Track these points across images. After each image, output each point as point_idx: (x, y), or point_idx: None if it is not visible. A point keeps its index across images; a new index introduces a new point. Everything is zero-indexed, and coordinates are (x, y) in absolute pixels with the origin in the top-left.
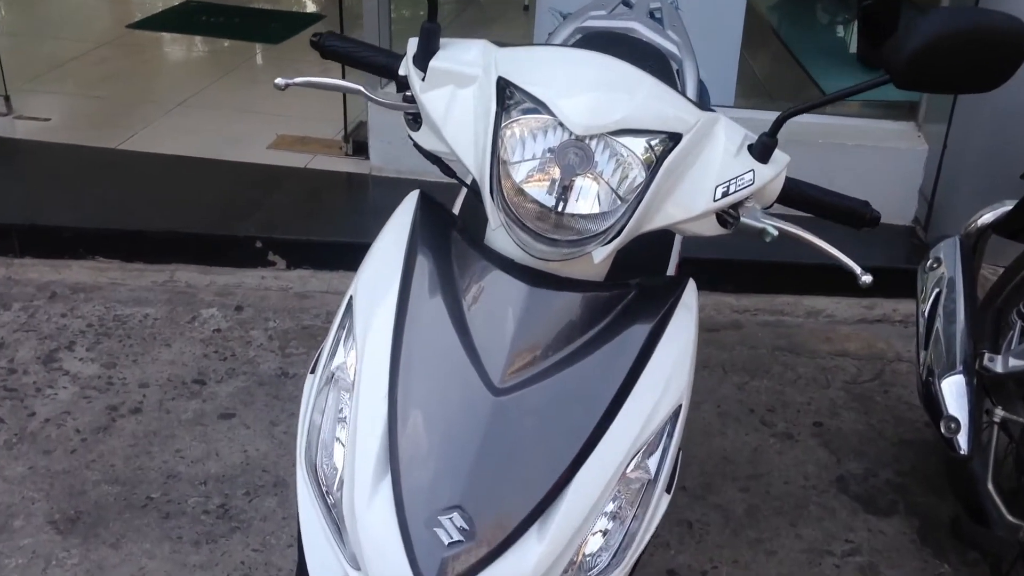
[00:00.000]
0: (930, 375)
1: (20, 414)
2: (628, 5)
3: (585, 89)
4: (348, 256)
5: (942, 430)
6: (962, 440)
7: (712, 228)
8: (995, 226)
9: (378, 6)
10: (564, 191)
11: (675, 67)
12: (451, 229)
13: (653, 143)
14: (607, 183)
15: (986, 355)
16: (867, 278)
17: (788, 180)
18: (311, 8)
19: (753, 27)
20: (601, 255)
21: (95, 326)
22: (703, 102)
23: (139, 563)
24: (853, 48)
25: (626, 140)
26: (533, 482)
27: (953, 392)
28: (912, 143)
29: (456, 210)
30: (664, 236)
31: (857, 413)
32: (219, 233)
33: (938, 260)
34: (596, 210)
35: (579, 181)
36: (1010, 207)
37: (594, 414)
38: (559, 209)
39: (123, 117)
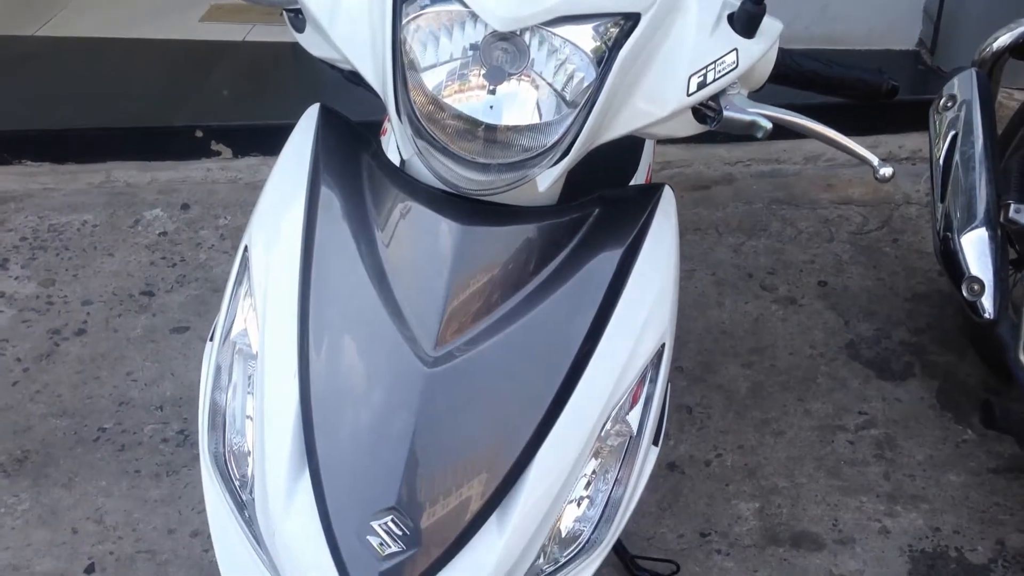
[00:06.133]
0: (948, 230)
1: None
2: None
3: None
4: None
5: (964, 292)
6: (987, 303)
7: (688, 127)
8: (1013, 49)
9: None
10: (493, 99)
11: None
12: (363, 152)
13: (603, 29)
14: (548, 85)
15: (1012, 206)
16: (886, 171)
17: (781, 53)
18: None
19: None
20: (548, 180)
21: (29, 239)
22: None
23: (95, 503)
24: None
25: (566, 30)
26: (485, 466)
27: (975, 249)
28: None
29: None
30: (630, 138)
31: (865, 267)
32: (155, 124)
33: (952, 98)
34: (536, 120)
35: (511, 85)
36: None
37: (557, 372)
38: (489, 123)
39: None
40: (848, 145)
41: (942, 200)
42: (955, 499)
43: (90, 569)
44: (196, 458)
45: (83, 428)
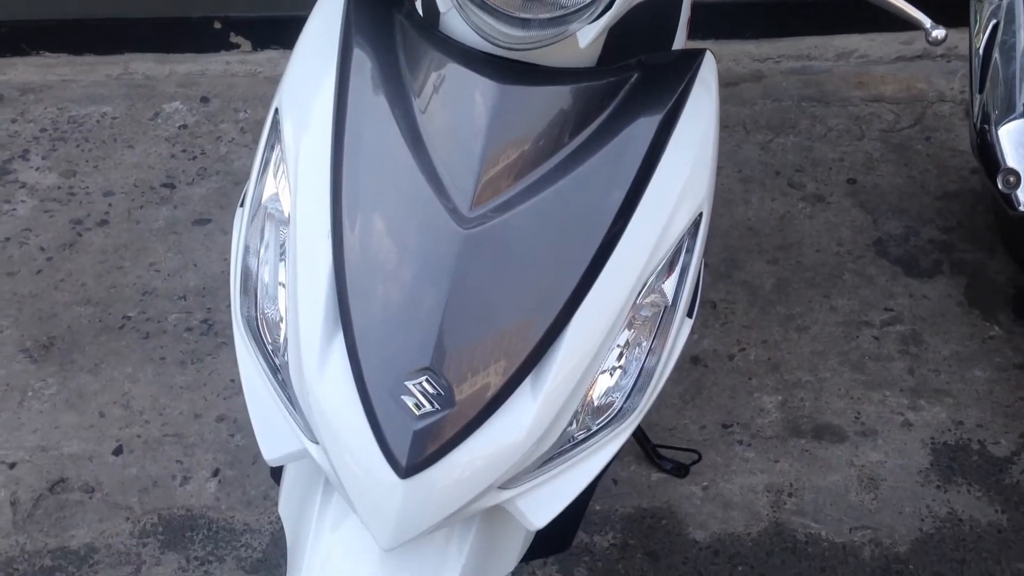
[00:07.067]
0: (985, 122)
1: None
2: None
3: None
4: None
5: (999, 185)
6: (1023, 195)
7: None
8: None
9: None
10: None
11: None
12: (396, 12)
13: None
14: None
15: None
16: (939, 32)
17: None
18: None
19: None
20: (588, 36)
21: (49, 130)
22: None
23: (122, 388)
24: None
25: None
26: (520, 331)
27: (1012, 140)
28: None
29: None
30: (667, 2)
31: (896, 165)
32: (173, 15)
33: None
34: None
35: None
36: None
37: (593, 237)
38: None
39: None
40: (899, 3)
41: (980, 91)
42: (979, 394)
43: (118, 451)
44: (220, 347)
45: (107, 316)
